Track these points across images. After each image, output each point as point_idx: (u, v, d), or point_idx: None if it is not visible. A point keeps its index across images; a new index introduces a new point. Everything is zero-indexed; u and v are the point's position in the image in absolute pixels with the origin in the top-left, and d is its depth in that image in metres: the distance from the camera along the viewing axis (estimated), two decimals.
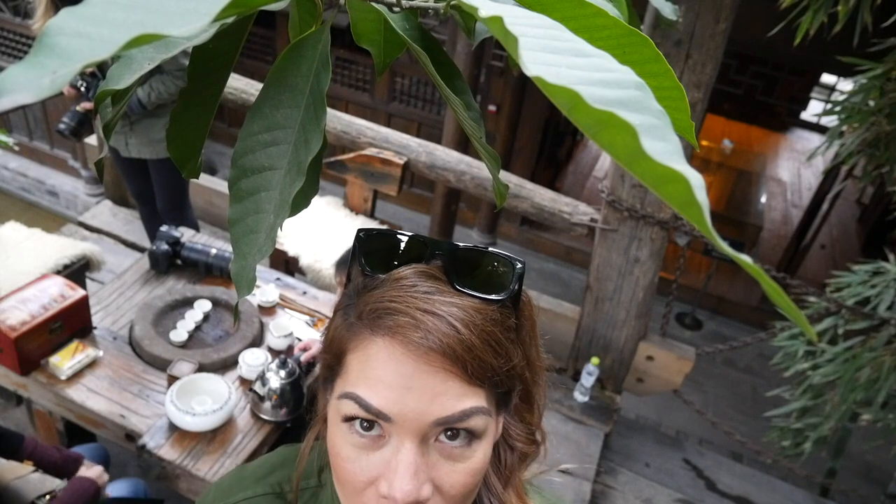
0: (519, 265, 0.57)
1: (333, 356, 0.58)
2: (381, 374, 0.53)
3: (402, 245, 0.58)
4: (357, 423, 0.54)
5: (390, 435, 0.54)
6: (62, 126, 2.59)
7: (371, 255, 0.58)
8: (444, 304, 0.53)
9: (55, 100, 4.02)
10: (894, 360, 2.67)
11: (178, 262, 2.44)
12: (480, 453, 0.56)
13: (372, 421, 0.54)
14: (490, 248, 0.59)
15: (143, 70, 0.45)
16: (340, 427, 0.55)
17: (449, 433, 0.54)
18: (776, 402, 3.19)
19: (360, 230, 0.59)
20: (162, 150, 2.86)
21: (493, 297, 0.55)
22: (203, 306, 2.23)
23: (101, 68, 2.53)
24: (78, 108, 2.60)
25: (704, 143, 8.09)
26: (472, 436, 0.55)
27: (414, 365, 0.52)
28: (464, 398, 0.53)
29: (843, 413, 2.83)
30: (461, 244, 0.58)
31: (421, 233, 0.61)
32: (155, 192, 3.06)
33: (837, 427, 2.95)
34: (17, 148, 2.89)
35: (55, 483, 1.76)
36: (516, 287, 0.57)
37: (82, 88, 2.59)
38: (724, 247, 0.28)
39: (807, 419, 3.04)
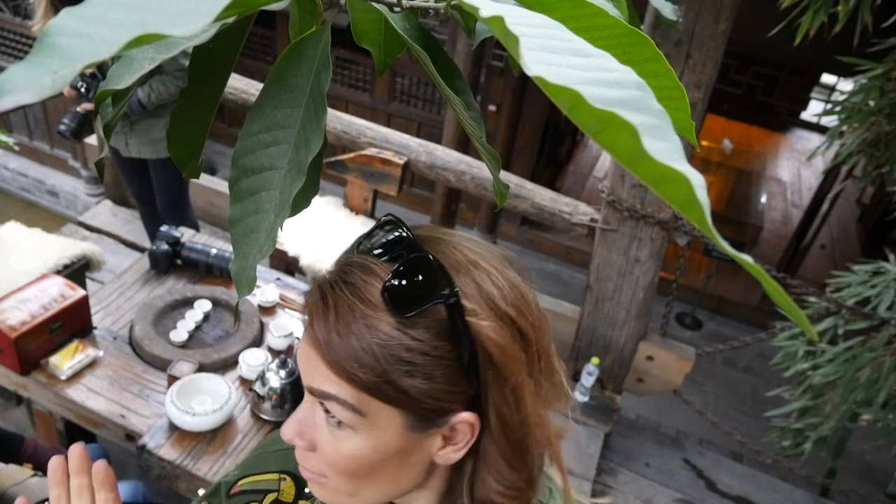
0: (446, 291, 0.54)
1: None
2: (301, 345, 0.60)
3: (389, 235, 0.59)
4: None
5: None
6: (62, 127, 2.59)
7: (366, 236, 0.61)
8: (344, 298, 0.56)
9: (55, 100, 4.02)
10: (894, 361, 2.67)
11: (179, 262, 2.44)
12: (350, 443, 0.58)
13: None
14: (446, 270, 0.56)
15: (144, 70, 0.45)
16: None
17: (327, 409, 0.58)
18: (776, 402, 3.19)
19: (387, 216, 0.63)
20: (162, 149, 2.86)
21: (392, 310, 0.54)
22: (203, 306, 2.23)
23: (101, 69, 2.53)
24: (78, 109, 2.60)
25: (704, 143, 8.09)
26: (339, 421, 0.57)
27: (310, 337, 0.57)
28: (327, 381, 0.56)
29: (844, 413, 2.83)
30: (418, 258, 0.56)
31: None
32: (155, 192, 3.06)
33: (837, 427, 2.95)
34: (17, 148, 2.89)
35: None
36: (423, 309, 0.54)
37: (82, 89, 2.59)
38: (726, 246, 0.28)
39: (807, 419, 3.04)
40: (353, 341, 0.54)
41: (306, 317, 0.58)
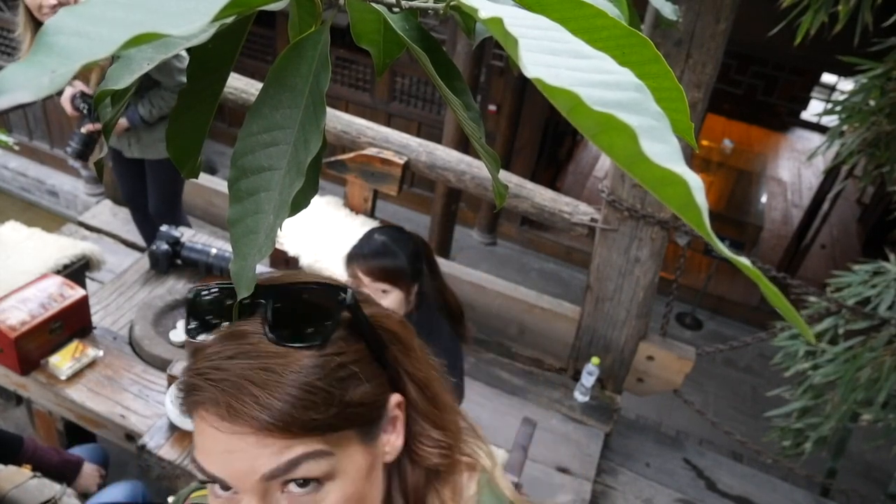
0: (342, 296, 0.56)
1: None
2: (205, 443, 0.54)
3: (225, 302, 0.57)
4: (215, 484, 0.56)
5: (239, 494, 0.55)
6: (69, 150, 2.61)
7: (194, 317, 0.57)
8: (247, 368, 0.53)
9: (56, 100, 4.02)
10: (895, 360, 2.67)
11: (178, 261, 2.44)
12: (336, 493, 0.56)
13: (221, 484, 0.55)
14: (322, 282, 0.57)
15: (143, 70, 0.44)
16: (209, 485, 0.57)
17: (297, 482, 0.54)
18: (776, 402, 3.19)
19: (191, 289, 0.59)
20: (163, 150, 2.86)
21: (308, 343, 0.54)
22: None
23: None
24: (82, 130, 2.61)
25: (705, 142, 8.08)
26: (318, 480, 0.55)
27: (228, 433, 0.53)
28: (285, 452, 0.53)
29: (844, 413, 2.83)
30: (291, 283, 0.56)
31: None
32: (148, 193, 3.06)
33: (838, 427, 2.95)
34: (16, 147, 2.89)
35: (54, 489, 1.76)
36: (335, 321, 0.55)
37: (85, 110, 2.59)
38: (723, 249, 0.28)
39: (807, 419, 3.03)
40: (293, 392, 0.52)
41: (205, 419, 0.54)
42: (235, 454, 0.53)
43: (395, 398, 0.61)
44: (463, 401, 1.83)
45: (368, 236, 1.66)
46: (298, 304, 0.56)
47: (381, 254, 1.60)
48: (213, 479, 0.55)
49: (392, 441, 0.62)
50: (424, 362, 0.65)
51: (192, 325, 0.57)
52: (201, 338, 0.56)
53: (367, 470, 0.58)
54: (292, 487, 0.54)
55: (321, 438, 0.54)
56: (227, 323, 0.56)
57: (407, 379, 0.62)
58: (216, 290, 0.58)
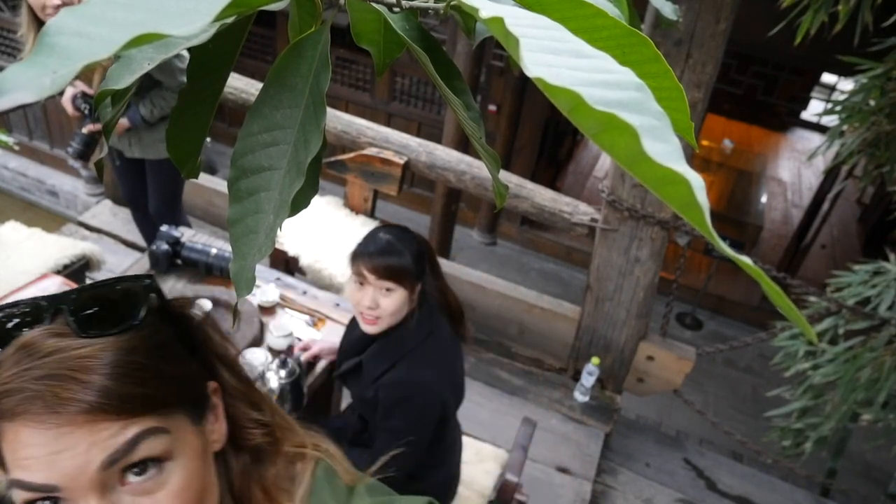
0: (147, 281, 0.58)
1: None
2: (28, 451, 0.52)
3: (19, 316, 0.56)
4: None
5: (72, 500, 0.53)
6: (70, 150, 2.61)
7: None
8: (66, 359, 0.52)
9: (56, 100, 4.02)
10: (895, 360, 2.67)
11: (178, 261, 2.44)
12: (179, 472, 0.56)
13: (47, 497, 0.53)
14: (119, 277, 0.59)
15: (143, 70, 0.44)
16: None
17: (135, 469, 0.54)
18: (776, 402, 3.19)
19: None
20: (163, 150, 2.86)
21: (119, 328, 0.55)
22: (203, 306, 2.23)
23: None
24: (83, 130, 2.61)
25: (705, 142, 8.08)
26: (159, 460, 0.55)
27: (53, 431, 0.51)
28: (122, 432, 0.53)
29: (844, 413, 2.83)
30: (89, 284, 0.57)
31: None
32: (149, 193, 3.06)
33: (838, 427, 2.95)
34: (17, 147, 2.89)
35: None
36: (145, 306, 0.57)
37: (86, 111, 2.59)
38: (725, 248, 0.28)
39: (807, 419, 3.03)
40: (117, 370, 0.53)
41: (25, 424, 0.51)
42: (66, 452, 0.51)
43: (212, 385, 0.63)
44: (462, 401, 1.83)
45: (374, 234, 1.66)
46: (102, 297, 0.57)
47: (387, 252, 1.60)
48: (41, 490, 0.52)
49: (218, 429, 0.63)
50: (233, 348, 0.67)
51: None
52: None
53: (202, 451, 0.59)
54: (131, 477, 0.54)
55: (154, 416, 0.54)
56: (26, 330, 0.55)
57: (218, 363, 0.64)
58: (16, 305, 0.57)
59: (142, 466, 0.54)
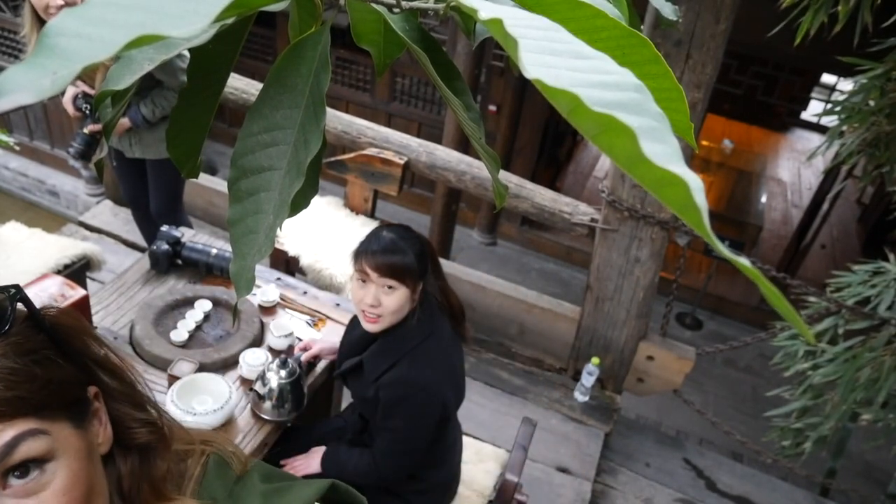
0: (13, 291, 0.59)
1: None
2: None
3: None
4: None
5: None
6: (71, 150, 2.61)
7: None
8: None
9: (56, 100, 4.02)
10: (894, 360, 2.67)
11: (179, 261, 2.44)
12: (62, 471, 0.56)
13: None
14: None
15: (143, 70, 0.45)
16: None
17: (16, 473, 0.54)
18: (776, 402, 3.19)
19: None
20: (164, 150, 2.86)
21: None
22: (203, 306, 2.23)
23: None
24: (85, 130, 2.61)
25: (705, 143, 8.08)
26: (40, 461, 0.55)
27: None
28: (1, 434, 0.53)
29: (844, 413, 2.83)
30: None
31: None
32: (150, 194, 3.06)
33: (837, 427, 2.95)
34: (17, 148, 2.89)
35: None
36: (11, 314, 0.57)
37: (87, 111, 2.59)
38: (722, 249, 0.28)
39: (807, 419, 3.03)
40: None
41: None
42: None
43: (92, 390, 0.64)
44: (463, 401, 1.83)
45: (377, 233, 1.66)
46: None
47: (390, 251, 1.60)
48: None
49: (102, 432, 0.64)
50: (106, 345, 0.67)
51: None
52: None
53: (86, 452, 0.60)
54: (13, 481, 0.54)
55: (32, 419, 0.55)
56: None
57: (97, 367, 0.65)
58: None
59: (23, 469, 0.54)
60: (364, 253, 1.63)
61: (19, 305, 0.59)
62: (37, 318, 0.60)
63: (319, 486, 0.69)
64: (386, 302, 1.61)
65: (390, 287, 1.61)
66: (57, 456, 0.56)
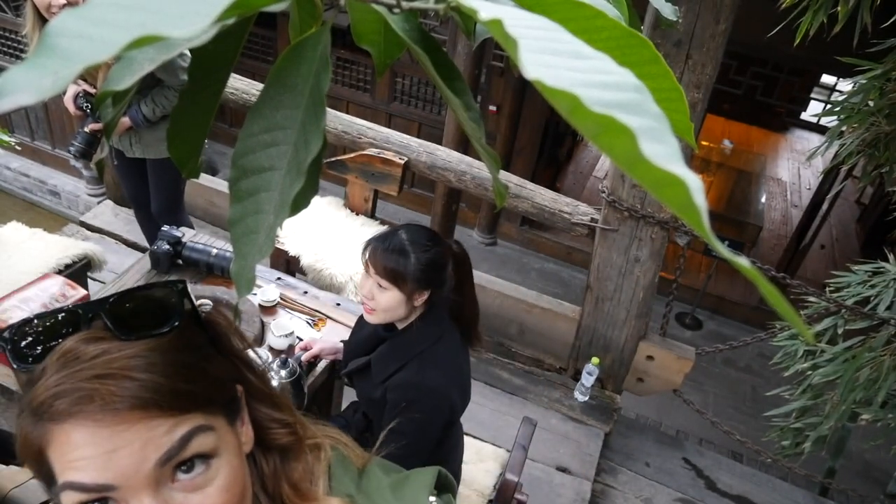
0: (180, 286, 0.59)
1: (34, 461, 0.55)
2: (82, 452, 0.52)
3: (55, 325, 0.57)
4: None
5: (124, 500, 0.53)
6: (72, 149, 2.61)
7: (21, 350, 0.56)
8: (114, 360, 0.53)
9: (58, 100, 4.03)
10: (894, 360, 2.67)
11: (180, 261, 2.44)
12: (225, 468, 0.57)
13: (98, 498, 0.53)
14: (151, 283, 0.60)
15: (144, 71, 0.45)
16: None
17: (183, 467, 0.55)
18: (776, 402, 3.19)
19: (4, 330, 0.57)
20: (164, 150, 2.86)
21: (161, 330, 0.56)
22: (204, 306, 2.23)
23: None
24: (86, 129, 2.61)
25: (704, 143, 8.08)
26: (207, 457, 0.56)
27: (109, 429, 0.51)
28: (175, 429, 0.54)
29: (843, 413, 2.83)
30: (123, 291, 0.58)
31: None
32: (151, 194, 3.06)
33: (837, 427, 2.95)
34: (18, 148, 2.90)
35: None
36: (183, 308, 0.58)
37: (88, 109, 2.59)
38: (722, 249, 0.28)
39: (806, 419, 3.04)
40: (168, 368, 0.54)
41: (81, 424, 0.51)
42: (122, 450, 0.52)
43: (239, 389, 0.65)
44: (468, 404, 1.83)
45: (394, 230, 1.65)
46: (137, 302, 0.58)
47: (393, 251, 1.60)
48: (97, 491, 0.52)
49: (246, 431, 0.65)
50: (248, 349, 0.68)
51: (33, 352, 0.56)
52: (33, 362, 0.55)
53: (239, 450, 0.61)
54: (181, 475, 0.55)
55: (201, 414, 0.56)
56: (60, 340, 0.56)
57: (244, 367, 0.66)
58: (42, 316, 0.57)
59: (190, 464, 0.55)
60: (371, 245, 1.64)
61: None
62: (198, 314, 0.61)
63: (432, 472, 0.72)
64: (378, 298, 1.63)
65: (381, 286, 1.61)
66: (220, 452, 0.57)
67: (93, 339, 0.55)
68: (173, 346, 0.56)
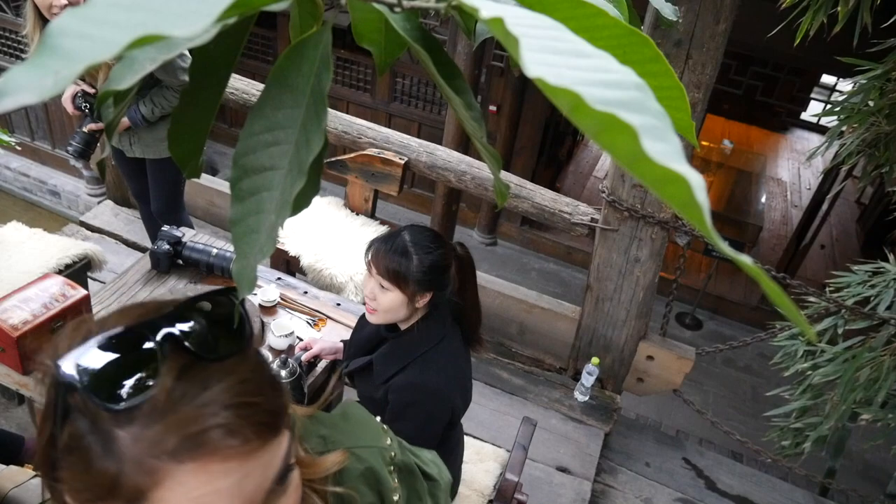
0: (234, 295, 0.57)
1: (122, 501, 0.49)
2: (216, 484, 0.50)
3: (126, 354, 0.51)
4: None
5: None
6: (70, 148, 2.62)
7: (101, 391, 0.49)
8: (229, 387, 0.51)
9: (58, 100, 4.03)
10: (894, 360, 2.67)
11: (180, 261, 2.44)
12: (294, 480, 0.58)
13: None
14: (209, 290, 0.56)
15: (145, 70, 0.45)
16: None
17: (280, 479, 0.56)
18: (776, 402, 3.19)
19: (79, 373, 0.49)
20: (164, 149, 2.86)
21: (243, 345, 0.55)
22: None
23: None
24: (84, 129, 2.61)
25: (704, 143, 8.08)
26: (290, 469, 0.57)
27: (242, 457, 0.51)
28: (281, 446, 0.54)
29: (843, 413, 2.83)
30: (180, 305, 0.54)
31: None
32: (150, 194, 3.06)
33: (837, 427, 2.95)
34: (18, 148, 2.90)
35: None
36: (248, 317, 0.57)
37: (86, 109, 2.59)
38: (725, 247, 0.28)
39: (806, 419, 3.03)
40: (271, 387, 0.54)
41: (213, 454, 0.49)
42: (250, 476, 0.51)
43: None
44: (469, 405, 1.83)
45: (399, 231, 1.66)
46: (210, 316, 0.56)
47: (395, 252, 1.60)
48: None
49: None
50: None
51: (127, 391, 0.49)
52: (138, 399, 0.49)
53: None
54: (275, 485, 0.56)
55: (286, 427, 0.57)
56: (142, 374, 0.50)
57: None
58: (106, 347, 0.51)
59: (284, 475, 0.56)
60: (374, 245, 1.65)
61: None
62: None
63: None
64: (380, 298, 1.63)
65: (382, 286, 1.62)
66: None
67: (181, 366, 0.51)
68: (256, 360, 0.55)
